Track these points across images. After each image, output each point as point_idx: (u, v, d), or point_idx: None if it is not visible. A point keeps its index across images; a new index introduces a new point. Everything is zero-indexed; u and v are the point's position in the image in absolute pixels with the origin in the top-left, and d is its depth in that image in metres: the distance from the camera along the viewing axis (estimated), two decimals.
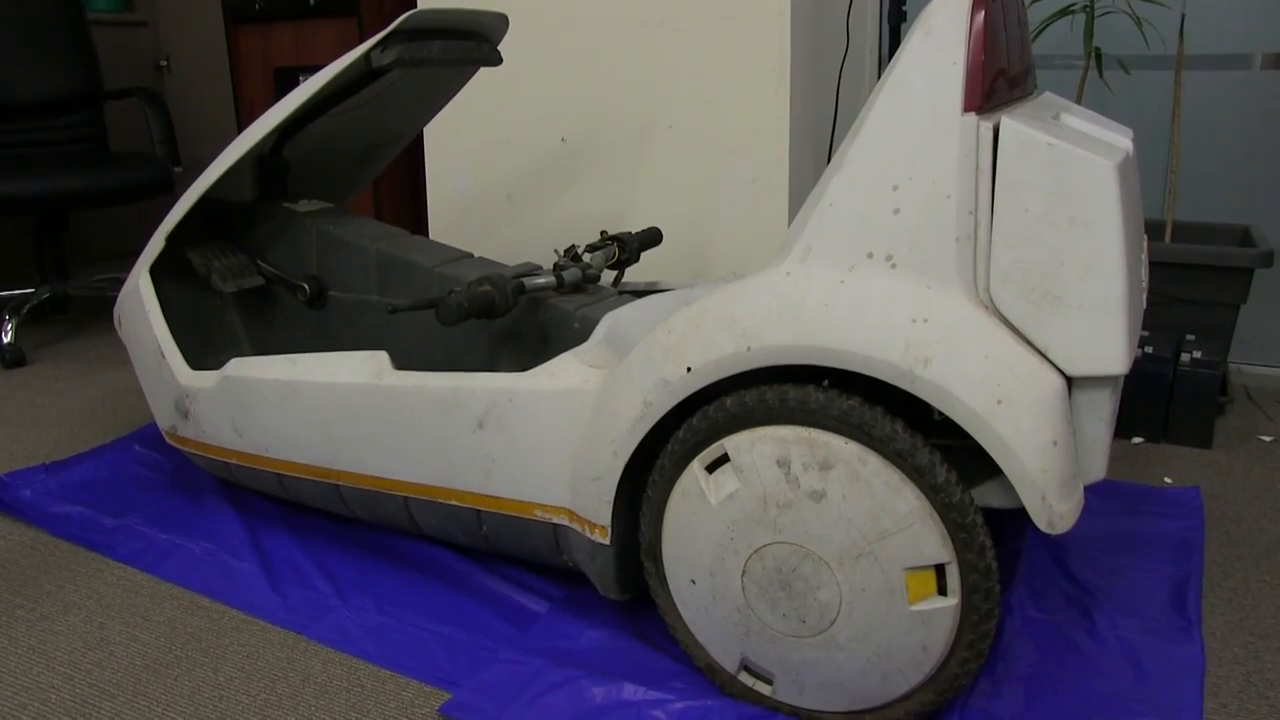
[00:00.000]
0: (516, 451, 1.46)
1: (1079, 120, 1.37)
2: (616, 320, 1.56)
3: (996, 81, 1.20)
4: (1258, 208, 2.67)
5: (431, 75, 2.00)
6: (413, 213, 2.82)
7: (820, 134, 2.44)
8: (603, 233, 1.95)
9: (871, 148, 1.19)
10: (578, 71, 2.43)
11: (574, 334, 1.65)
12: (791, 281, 1.22)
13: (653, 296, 1.66)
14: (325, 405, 1.64)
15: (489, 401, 1.47)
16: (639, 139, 2.41)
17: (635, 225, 2.44)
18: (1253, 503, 1.96)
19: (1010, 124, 1.14)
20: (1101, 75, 2.47)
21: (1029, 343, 1.15)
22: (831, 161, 1.24)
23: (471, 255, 1.89)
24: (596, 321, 1.59)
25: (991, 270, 1.15)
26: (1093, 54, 2.40)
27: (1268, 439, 2.30)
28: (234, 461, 1.82)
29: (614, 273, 1.95)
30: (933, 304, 1.15)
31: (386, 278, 1.87)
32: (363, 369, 1.61)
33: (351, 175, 2.18)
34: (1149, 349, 2.31)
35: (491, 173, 2.60)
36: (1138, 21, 2.41)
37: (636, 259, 1.91)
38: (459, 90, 2.06)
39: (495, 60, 1.93)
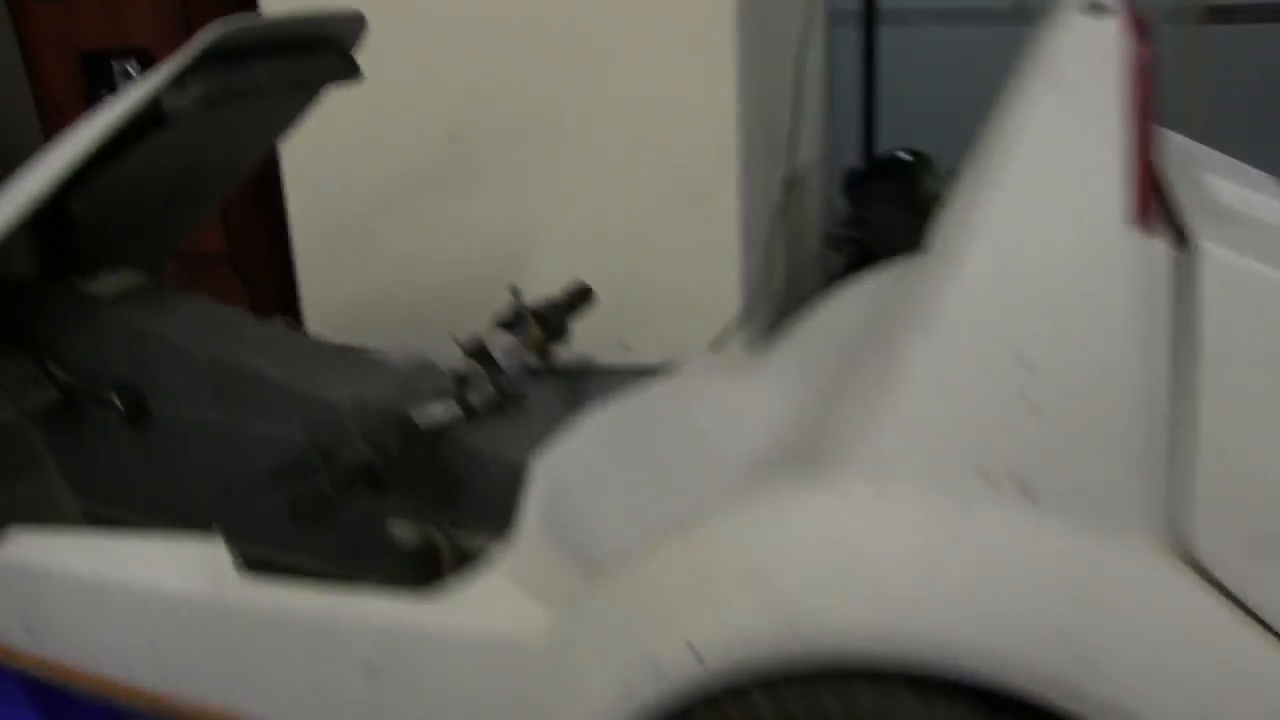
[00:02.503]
0: (427, 715, 0.99)
1: (1231, 186, 0.92)
2: (553, 478, 1.08)
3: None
4: None
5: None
6: (270, 230, 2.28)
7: (776, 128, 1.95)
8: (513, 292, 1.46)
9: (979, 295, 0.72)
10: (469, 51, 1.89)
11: (490, 482, 1.18)
12: (857, 516, 0.75)
13: (594, 418, 1.19)
14: (147, 617, 1.15)
15: (383, 639, 1.00)
16: (546, 136, 1.89)
17: (542, 246, 1.94)
18: None
19: (1216, 252, 0.68)
20: None
21: (1256, 617, 0.71)
22: (904, 314, 0.77)
23: (340, 349, 1.38)
24: (519, 467, 1.12)
25: (1194, 502, 0.70)
26: None
27: None
28: (30, 667, 1.31)
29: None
30: (1100, 564, 0.70)
31: (223, 391, 1.36)
32: (196, 571, 1.11)
33: (171, 224, 1.63)
34: None
35: (364, 181, 2.07)
36: None
37: (563, 333, 1.42)
38: (310, 107, 1.52)
39: (350, 74, 1.40)
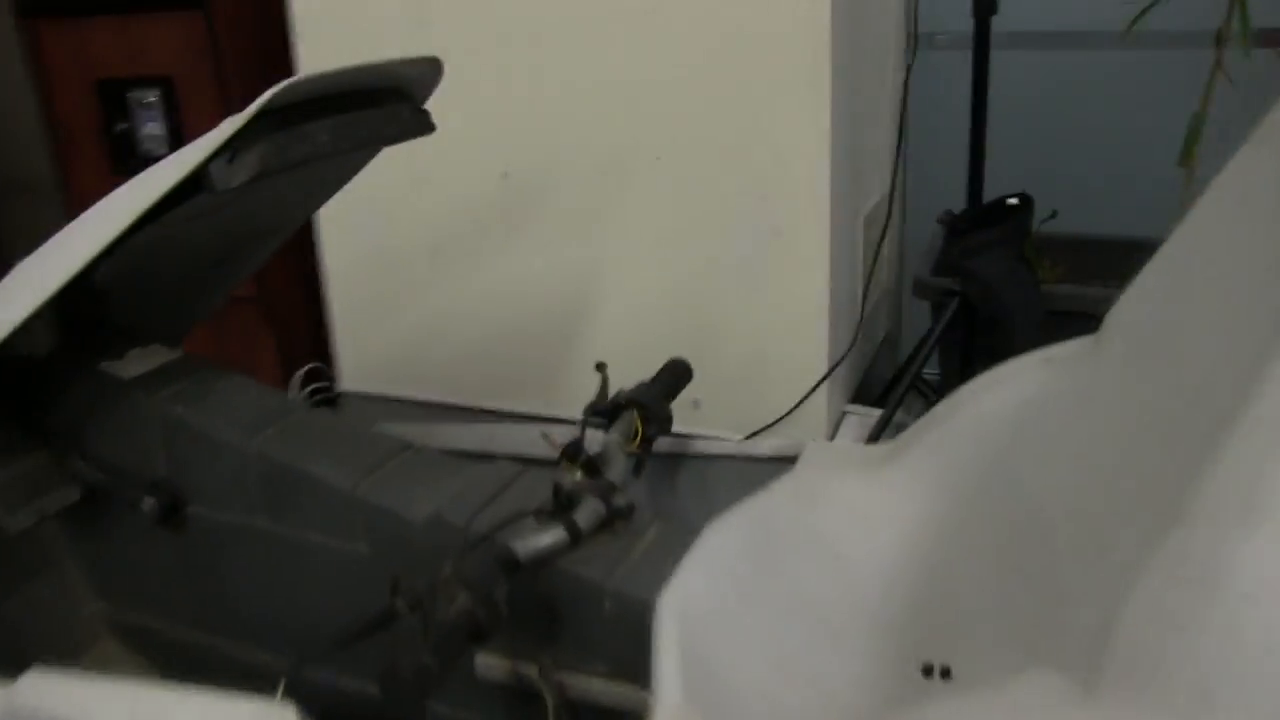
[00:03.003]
0: None
1: None
2: (683, 624, 0.90)
3: None
4: None
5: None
6: (302, 273, 2.10)
7: (865, 163, 1.76)
8: (600, 369, 1.28)
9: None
10: (526, 79, 1.71)
11: (605, 619, 1.00)
12: None
13: (716, 538, 1.01)
14: None
15: None
16: (610, 174, 1.71)
17: (602, 293, 1.76)
18: None
19: None
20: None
21: None
22: (1201, 495, 0.59)
23: (410, 447, 1.20)
24: (640, 603, 0.94)
25: None
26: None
27: None
28: None
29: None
30: None
31: (274, 495, 1.18)
32: None
33: (205, 292, 1.45)
34: None
35: (405, 221, 1.89)
36: None
37: (669, 426, 1.24)
38: (367, 162, 1.34)
39: (423, 128, 1.22)
